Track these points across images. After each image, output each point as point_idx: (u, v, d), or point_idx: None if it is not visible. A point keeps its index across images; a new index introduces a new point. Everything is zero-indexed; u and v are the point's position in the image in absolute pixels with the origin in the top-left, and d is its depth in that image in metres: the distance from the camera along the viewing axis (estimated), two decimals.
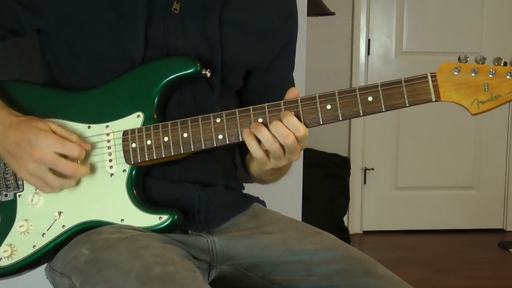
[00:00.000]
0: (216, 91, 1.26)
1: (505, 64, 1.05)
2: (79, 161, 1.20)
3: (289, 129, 1.12)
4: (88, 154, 1.22)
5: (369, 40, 4.15)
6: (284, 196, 2.12)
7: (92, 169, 1.22)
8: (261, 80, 1.34)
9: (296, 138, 1.12)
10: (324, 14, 3.30)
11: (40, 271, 1.28)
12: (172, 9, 1.23)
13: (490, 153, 4.26)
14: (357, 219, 4.24)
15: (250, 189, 1.44)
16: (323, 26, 3.82)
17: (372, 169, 4.22)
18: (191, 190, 1.26)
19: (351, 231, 4.10)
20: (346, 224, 3.99)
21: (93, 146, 1.22)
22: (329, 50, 4.11)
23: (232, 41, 1.26)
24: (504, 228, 4.31)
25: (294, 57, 1.40)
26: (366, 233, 4.25)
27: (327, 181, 3.70)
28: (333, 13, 3.33)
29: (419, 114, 4.19)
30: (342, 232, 3.66)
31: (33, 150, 1.16)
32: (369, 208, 4.25)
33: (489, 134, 4.23)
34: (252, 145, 1.14)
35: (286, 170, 1.31)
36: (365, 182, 4.24)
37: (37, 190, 1.23)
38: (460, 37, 4.04)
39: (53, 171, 1.18)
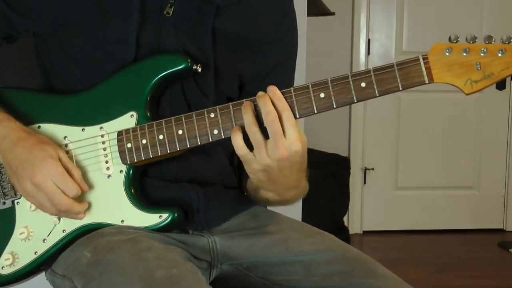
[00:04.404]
0: (210, 99, 1.25)
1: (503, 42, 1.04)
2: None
3: (276, 108, 1.08)
4: (84, 157, 1.22)
5: (369, 40, 4.15)
6: None
7: (89, 172, 1.22)
8: (256, 92, 1.32)
9: (280, 118, 1.08)
10: (324, 14, 3.30)
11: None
12: (165, 13, 1.22)
13: (490, 153, 4.26)
14: (357, 219, 4.24)
15: None
16: (323, 26, 3.82)
17: (372, 169, 4.22)
18: (189, 190, 1.26)
19: (351, 231, 4.10)
20: (346, 224, 3.99)
21: (88, 148, 1.22)
22: (329, 50, 4.11)
23: (224, 51, 1.26)
24: (504, 228, 4.31)
25: (293, 72, 1.38)
26: (366, 233, 4.25)
27: (327, 181, 3.69)
28: (333, 13, 3.33)
29: (419, 114, 4.19)
30: (342, 232, 3.66)
31: (35, 173, 1.15)
32: (369, 208, 4.25)
33: (489, 134, 4.24)
34: (236, 140, 1.10)
35: (289, 191, 1.19)
36: (365, 182, 4.24)
37: None
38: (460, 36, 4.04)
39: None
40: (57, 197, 1.16)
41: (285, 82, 1.27)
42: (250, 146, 1.11)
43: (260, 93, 1.10)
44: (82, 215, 1.20)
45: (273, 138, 1.07)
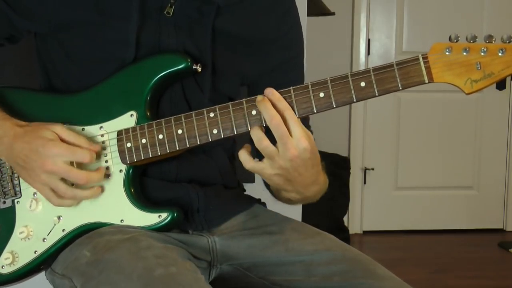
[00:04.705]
0: (206, 96, 1.25)
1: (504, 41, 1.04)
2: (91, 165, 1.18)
3: (277, 109, 1.08)
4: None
5: (369, 40, 4.15)
6: None
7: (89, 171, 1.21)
8: (261, 92, 1.31)
9: (285, 121, 1.08)
10: (324, 14, 3.30)
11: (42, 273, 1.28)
12: (165, 13, 1.22)
13: (490, 153, 4.26)
14: (357, 219, 4.24)
15: (250, 190, 1.44)
16: (323, 26, 3.82)
17: (372, 169, 4.22)
18: (189, 190, 1.26)
19: (351, 231, 4.10)
20: (346, 224, 3.99)
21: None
22: (329, 50, 4.11)
23: (225, 51, 1.26)
24: (504, 228, 4.31)
25: (302, 70, 1.38)
26: (366, 233, 4.25)
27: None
28: (333, 13, 3.33)
29: (419, 114, 4.19)
30: (342, 232, 3.66)
31: (43, 161, 1.14)
32: (369, 208, 4.25)
33: (489, 134, 4.24)
34: (244, 158, 1.10)
35: (308, 188, 1.19)
36: (365, 182, 4.24)
37: (35, 195, 1.23)
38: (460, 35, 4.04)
39: (65, 181, 1.17)
40: (72, 173, 1.15)
41: (292, 80, 1.26)
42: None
43: (259, 97, 1.10)
44: (98, 190, 1.19)
45: (281, 141, 1.08)
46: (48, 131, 1.17)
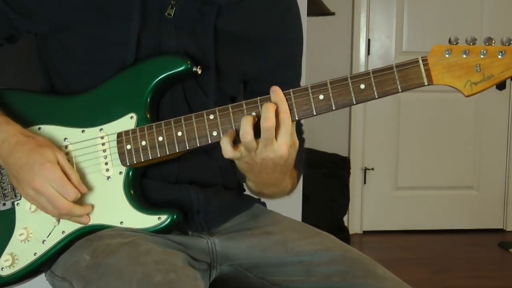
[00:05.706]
0: (210, 98, 1.25)
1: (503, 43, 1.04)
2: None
3: (277, 109, 1.08)
4: (83, 158, 1.22)
5: (369, 40, 4.15)
6: None
7: (89, 173, 1.22)
8: (264, 90, 1.32)
9: (278, 123, 1.08)
10: (324, 14, 3.30)
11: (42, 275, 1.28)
12: (166, 14, 1.22)
13: (490, 153, 4.26)
14: (357, 219, 4.24)
15: None
16: (323, 26, 3.82)
17: (372, 169, 4.22)
18: (189, 191, 1.26)
19: (351, 231, 4.10)
20: (346, 224, 3.99)
21: (88, 150, 1.22)
22: (329, 50, 4.10)
23: (227, 51, 1.26)
24: (504, 228, 4.31)
25: (300, 69, 1.38)
26: (366, 233, 4.25)
27: (327, 181, 3.69)
28: (333, 13, 3.33)
29: (419, 114, 4.19)
30: (342, 232, 3.66)
31: (34, 178, 1.15)
32: (369, 208, 4.25)
33: (489, 134, 4.23)
34: (225, 145, 1.12)
35: (268, 187, 1.23)
36: (365, 182, 4.24)
37: None
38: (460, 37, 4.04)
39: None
40: (57, 201, 1.16)
41: (290, 78, 1.27)
42: None
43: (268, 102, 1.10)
44: (86, 219, 1.20)
45: (264, 142, 1.09)
46: (51, 153, 1.17)
